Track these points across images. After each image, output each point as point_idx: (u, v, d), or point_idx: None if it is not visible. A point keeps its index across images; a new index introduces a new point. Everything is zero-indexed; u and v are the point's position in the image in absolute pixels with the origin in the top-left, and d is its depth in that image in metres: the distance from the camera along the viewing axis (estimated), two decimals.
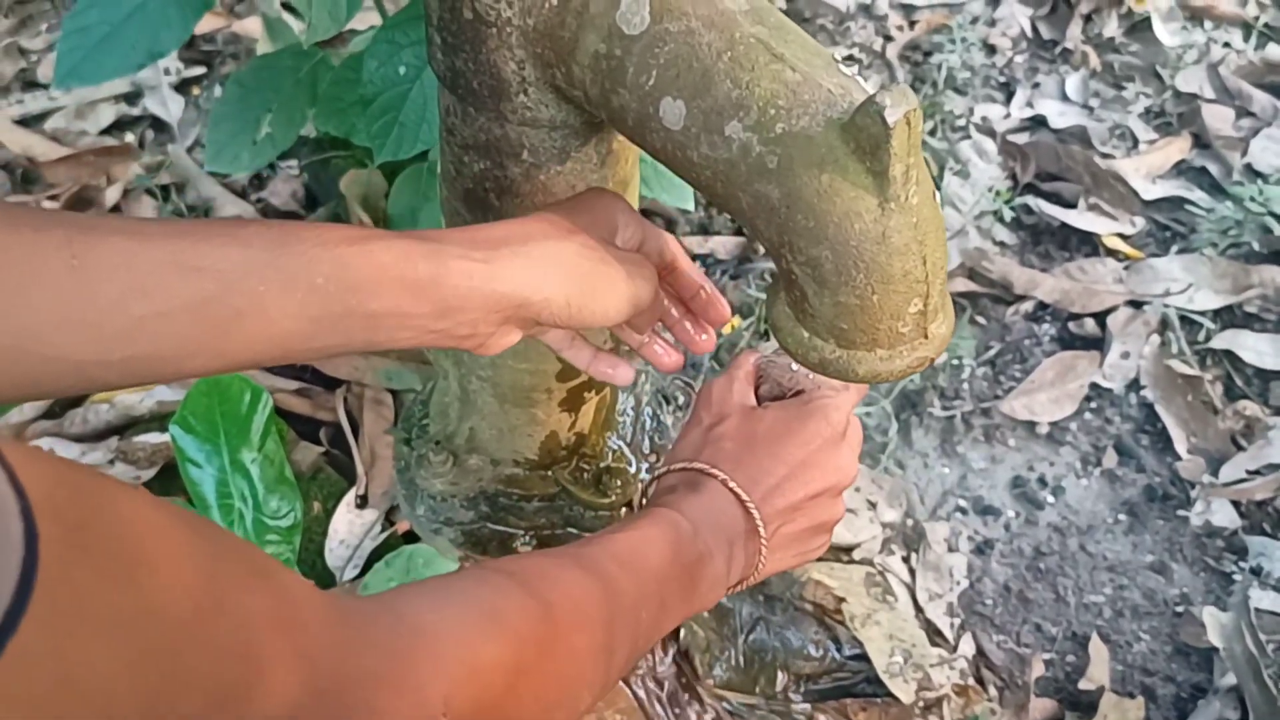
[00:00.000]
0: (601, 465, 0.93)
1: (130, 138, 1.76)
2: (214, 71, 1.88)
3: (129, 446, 1.29)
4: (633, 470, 0.93)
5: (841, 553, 1.28)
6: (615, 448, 0.97)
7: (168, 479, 1.25)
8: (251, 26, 1.93)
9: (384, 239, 0.56)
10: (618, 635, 0.60)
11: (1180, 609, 1.27)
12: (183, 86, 1.85)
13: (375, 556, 1.23)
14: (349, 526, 1.26)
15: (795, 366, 0.78)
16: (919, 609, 1.25)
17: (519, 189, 0.73)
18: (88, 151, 1.69)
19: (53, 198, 1.65)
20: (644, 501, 0.81)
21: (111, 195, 1.65)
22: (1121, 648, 1.25)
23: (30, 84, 1.84)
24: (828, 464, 0.74)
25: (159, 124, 1.79)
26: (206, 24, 1.94)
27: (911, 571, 1.28)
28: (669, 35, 0.60)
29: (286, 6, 1.95)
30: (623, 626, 0.61)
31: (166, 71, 1.86)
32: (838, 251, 0.58)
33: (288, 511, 1.08)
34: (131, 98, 1.83)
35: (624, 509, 0.92)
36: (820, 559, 1.26)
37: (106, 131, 1.76)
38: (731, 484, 0.71)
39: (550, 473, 0.92)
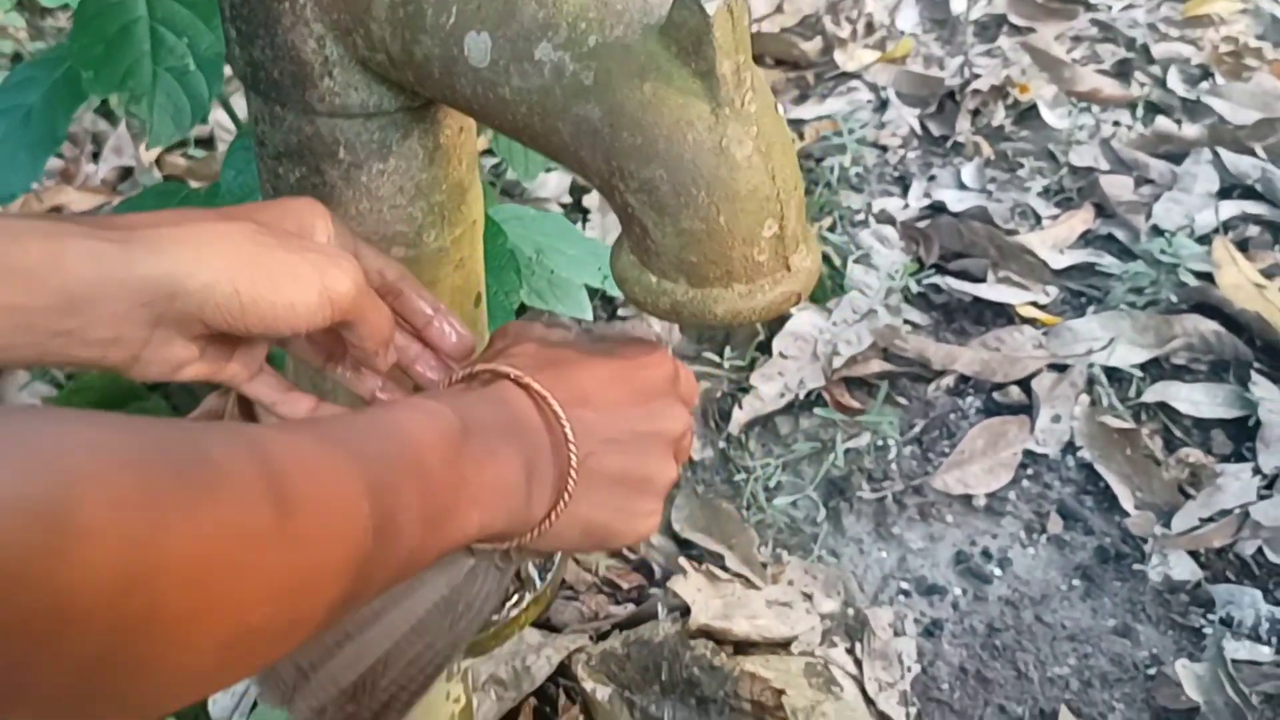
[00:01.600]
0: None
1: None
2: None
3: None
4: None
5: (778, 646, 1.17)
6: None
7: None
8: None
9: None
10: (373, 499, 0.43)
11: (1152, 670, 1.17)
12: None
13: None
14: None
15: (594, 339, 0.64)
16: (869, 700, 1.14)
17: (340, 196, 0.66)
18: None
19: None
20: None
21: None
22: (1094, 719, 1.14)
23: None
24: (653, 399, 0.57)
25: None
26: (89, 201, 1.89)
27: (857, 662, 1.18)
28: None
29: (170, 179, 1.92)
30: (375, 490, 0.44)
31: None
32: (672, 169, 0.51)
33: None
34: None
35: (513, 578, 0.82)
36: (753, 651, 1.15)
37: None
38: (526, 379, 0.54)
39: None
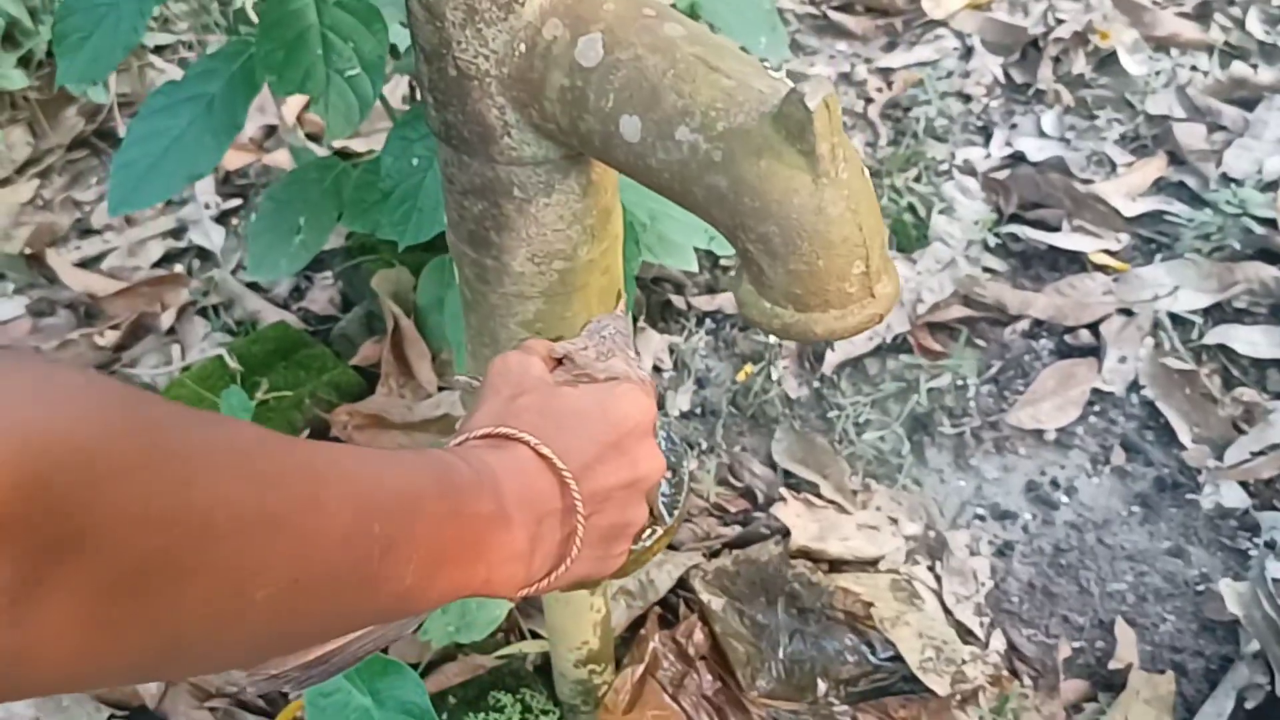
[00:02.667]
0: None
1: (179, 268, 1.89)
2: (249, 202, 2.02)
3: None
4: None
5: (867, 565, 1.34)
6: None
7: None
8: (280, 158, 2.08)
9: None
10: (336, 517, 0.44)
11: (1201, 587, 1.33)
12: (222, 218, 1.99)
13: None
14: None
15: (597, 360, 0.76)
16: (948, 611, 1.31)
17: (514, 224, 0.83)
18: (142, 283, 1.82)
19: (114, 327, 1.77)
20: None
21: (166, 319, 1.77)
22: (1147, 629, 1.30)
23: (86, 231, 1.98)
24: (638, 451, 0.65)
25: (204, 253, 1.92)
26: (239, 160, 2.08)
27: (937, 578, 1.35)
28: (620, 63, 0.70)
29: (310, 137, 2.10)
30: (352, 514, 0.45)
31: (207, 206, 2.00)
32: (782, 226, 0.67)
33: None
34: (177, 233, 1.97)
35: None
36: (846, 569, 1.33)
37: (158, 264, 1.90)
38: (544, 449, 0.59)
39: None
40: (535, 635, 1.30)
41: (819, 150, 0.67)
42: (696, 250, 1.44)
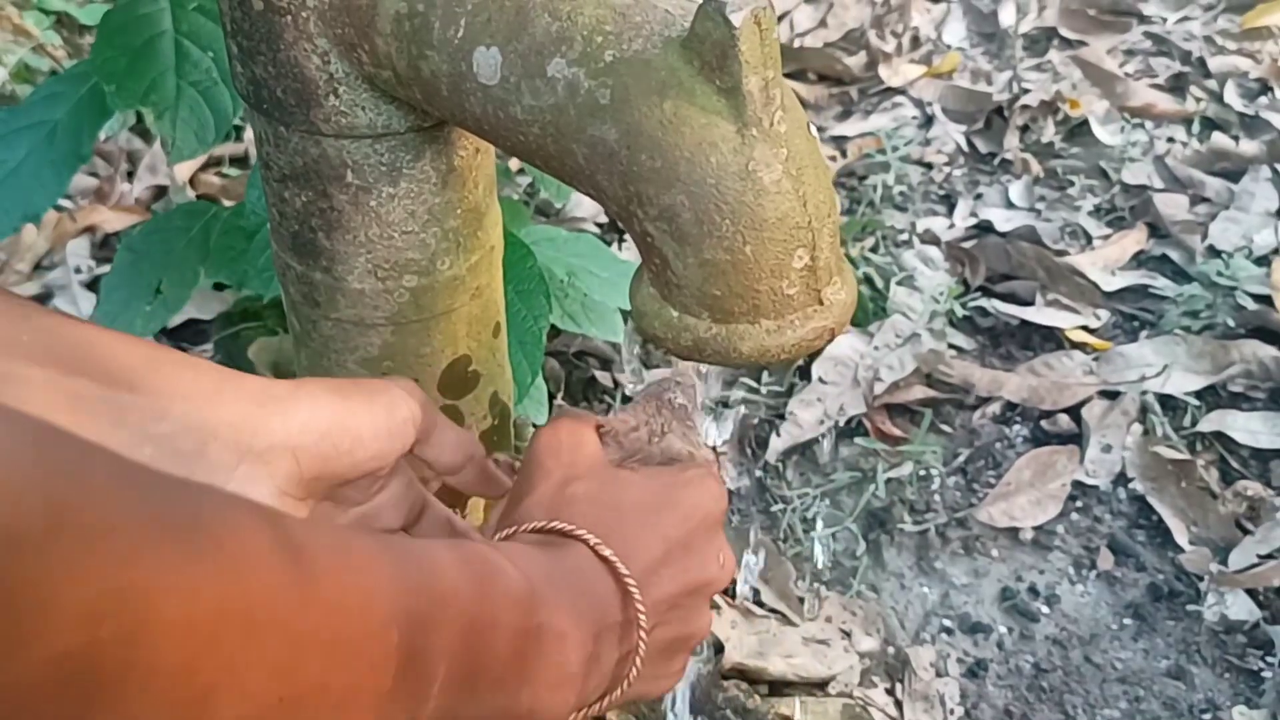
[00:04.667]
0: None
1: None
2: None
3: None
4: None
5: (814, 687, 1.12)
6: None
7: None
8: None
9: None
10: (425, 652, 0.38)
11: (1207, 716, 1.12)
12: (94, 284, 1.78)
13: None
14: None
15: (651, 441, 0.61)
16: None
17: (348, 221, 0.63)
18: None
19: None
20: None
21: None
22: None
23: None
24: (708, 551, 0.56)
25: None
26: (121, 221, 1.87)
27: (898, 703, 1.13)
28: None
29: (205, 199, 1.90)
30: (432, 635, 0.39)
31: (78, 270, 1.80)
32: (694, 195, 0.47)
33: None
34: (43, 299, 1.75)
35: None
36: (789, 691, 1.11)
37: None
38: (605, 551, 0.52)
39: None
40: None
41: (746, 86, 0.46)
42: (623, 313, 1.25)
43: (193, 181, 1.92)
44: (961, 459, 1.35)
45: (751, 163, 0.47)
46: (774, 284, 0.49)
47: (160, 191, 1.93)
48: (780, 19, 2.11)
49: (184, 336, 1.61)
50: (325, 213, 0.63)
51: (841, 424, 1.38)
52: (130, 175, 1.92)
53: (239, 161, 1.94)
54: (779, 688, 1.12)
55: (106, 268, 1.78)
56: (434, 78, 0.53)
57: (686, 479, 0.58)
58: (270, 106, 0.60)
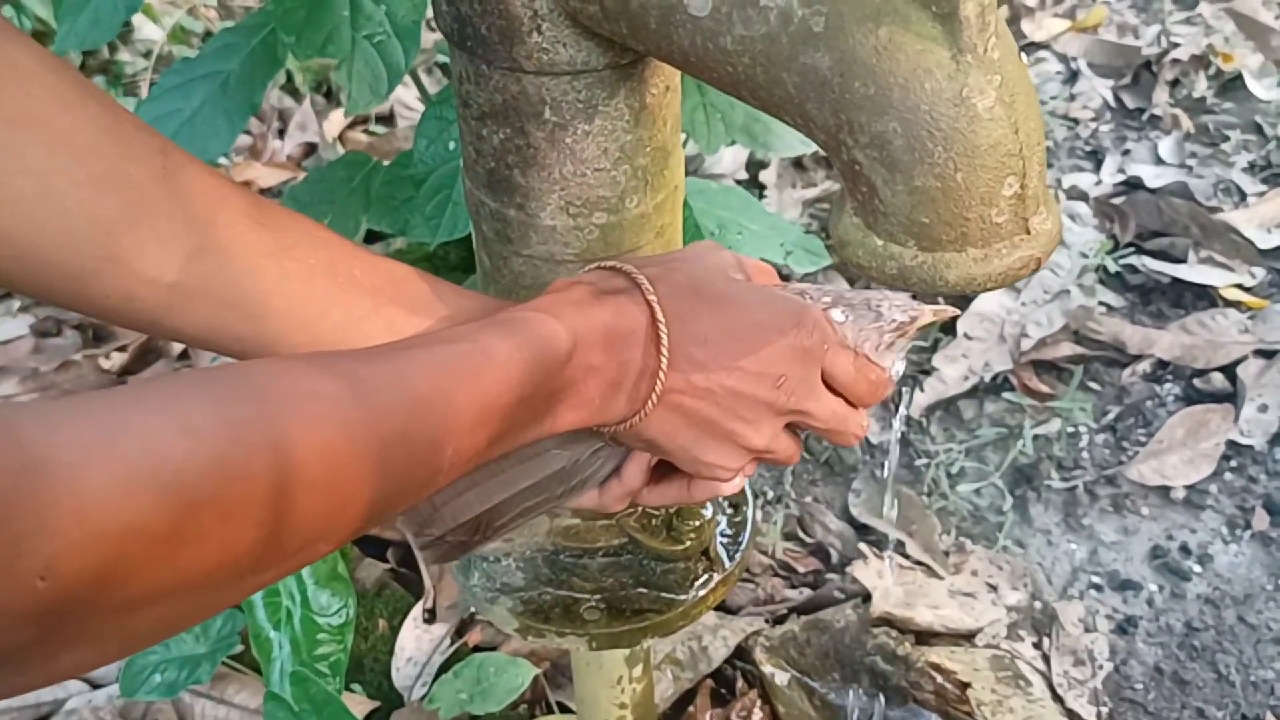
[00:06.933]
0: (671, 509, 0.81)
1: None
2: None
3: None
4: (708, 514, 0.81)
5: (962, 638, 1.12)
6: None
7: None
8: None
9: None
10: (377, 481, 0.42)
11: None
12: None
13: (444, 671, 1.11)
14: (416, 642, 1.15)
15: (874, 344, 0.60)
16: (1058, 698, 1.09)
17: (544, 159, 0.64)
18: None
19: (121, 349, 1.62)
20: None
21: (177, 344, 1.61)
22: None
23: None
24: (781, 368, 0.56)
25: None
26: (274, 177, 1.93)
27: (1045, 657, 1.13)
28: None
29: (350, 153, 1.95)
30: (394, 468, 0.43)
31: None
32: (907, 121, 0.48)
33: (339, 608, 0.97)
34: None
35: (701, 557, 0.80)
36: (937, 642, 1.11)
37: None
38: (654, 301, 0.55)
39: (614, 520, 0.80)
40: (564, 709, 1.10)
41: (963, 12, 0.47)
42: (773, 264, 1.25)
43: (341, 139, 1.97)
44: (1111, 416, 1.33)
45: (966, 89, 0.47)
46: (983, 211, 0.49)
47: (310, 149, 1.98)
48: None
49: None
50: (522, 149, 0.64)
51: (987, 380, 1.37)
52: (281, 133, 1.97)
53: (385, 119, 1.99)
54: (925, 638, 1.13)
55: None
56: (642, 10, 0.54)
57: (796, 307, 0.58)
58: (474, 43, 0.61)
